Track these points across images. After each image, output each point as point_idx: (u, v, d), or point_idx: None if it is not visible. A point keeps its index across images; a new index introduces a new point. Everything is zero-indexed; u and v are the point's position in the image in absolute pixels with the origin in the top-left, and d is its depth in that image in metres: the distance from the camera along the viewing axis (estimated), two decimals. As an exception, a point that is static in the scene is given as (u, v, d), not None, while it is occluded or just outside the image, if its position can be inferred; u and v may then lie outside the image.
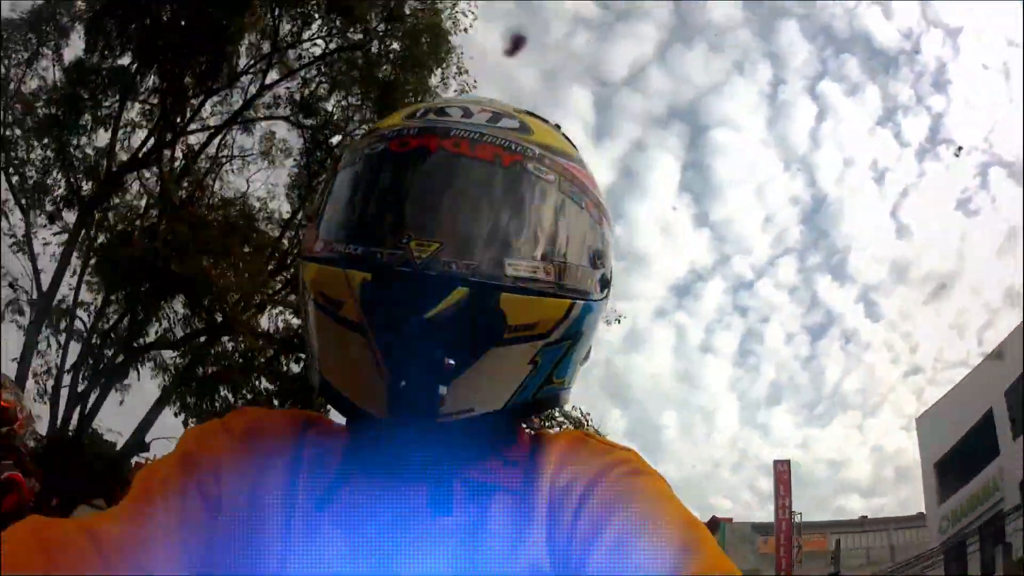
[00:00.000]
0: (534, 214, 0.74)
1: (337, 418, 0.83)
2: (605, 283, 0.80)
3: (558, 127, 0.84)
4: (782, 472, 29.33)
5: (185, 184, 11.71)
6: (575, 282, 0.75)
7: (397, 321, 0.68)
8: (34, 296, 10.95)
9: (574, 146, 0.84)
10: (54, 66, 11.27)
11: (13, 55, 11.12)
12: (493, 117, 0.78)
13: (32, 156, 11.12)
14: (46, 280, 10.98)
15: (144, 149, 11.28)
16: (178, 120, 11.33)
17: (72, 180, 11.17)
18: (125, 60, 10.98)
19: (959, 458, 23.34)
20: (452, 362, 0.68)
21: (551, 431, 0.83)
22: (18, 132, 11.10)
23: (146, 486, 0.74)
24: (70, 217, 11.13)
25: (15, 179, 11.11)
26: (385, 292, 0.69)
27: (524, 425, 0.84)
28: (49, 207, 11.17)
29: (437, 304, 0.68)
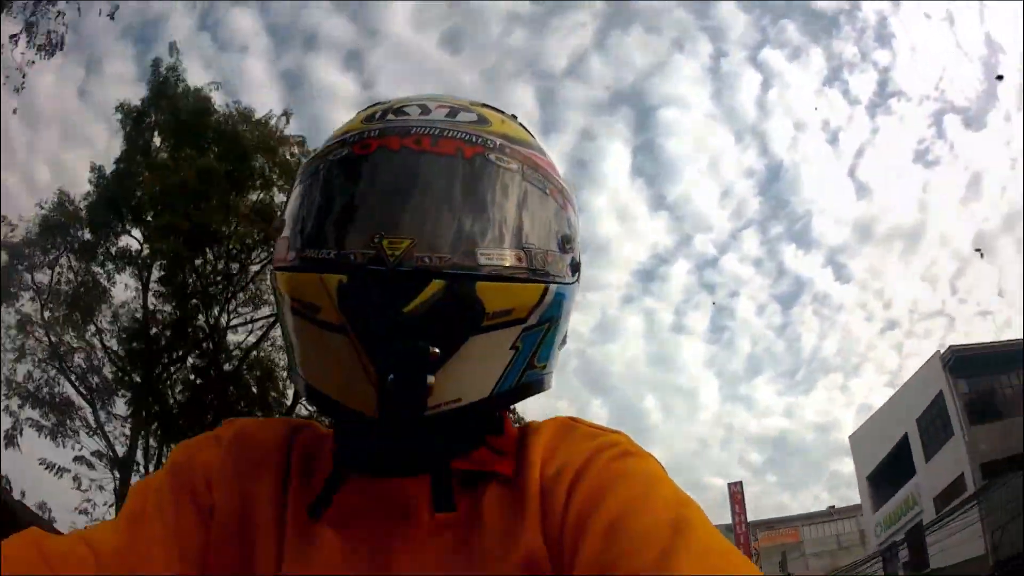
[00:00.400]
0: (500, 203, 0.75)
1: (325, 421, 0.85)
2: (575, 267, 0.81)
3: (514, 117, 0.86)
4: (735, 492, 32.48)
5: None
6: (546, 266, 0.76)
7: (377, 318, 0.69)
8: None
9: (531, 135, 0.86)
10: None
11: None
12: (451, 112, 0.79)
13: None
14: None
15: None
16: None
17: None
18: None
19: (886, 473, 26.46)
20: (437, 350, 0.69)
21: (538, 420, 0.83)
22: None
23: (140, 498, 0.77)
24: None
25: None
26: (362, 291, 0.70)
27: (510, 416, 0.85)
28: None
29: (415, 298, 0.69)
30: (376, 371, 0.70)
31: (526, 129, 0.87)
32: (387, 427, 0.71)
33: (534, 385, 0.80)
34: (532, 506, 0.74)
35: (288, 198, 0.83)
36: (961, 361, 21.78)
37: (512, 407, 0.85)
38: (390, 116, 0.79)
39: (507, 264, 0.74)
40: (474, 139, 0.76)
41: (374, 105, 0.84)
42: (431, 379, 0.70)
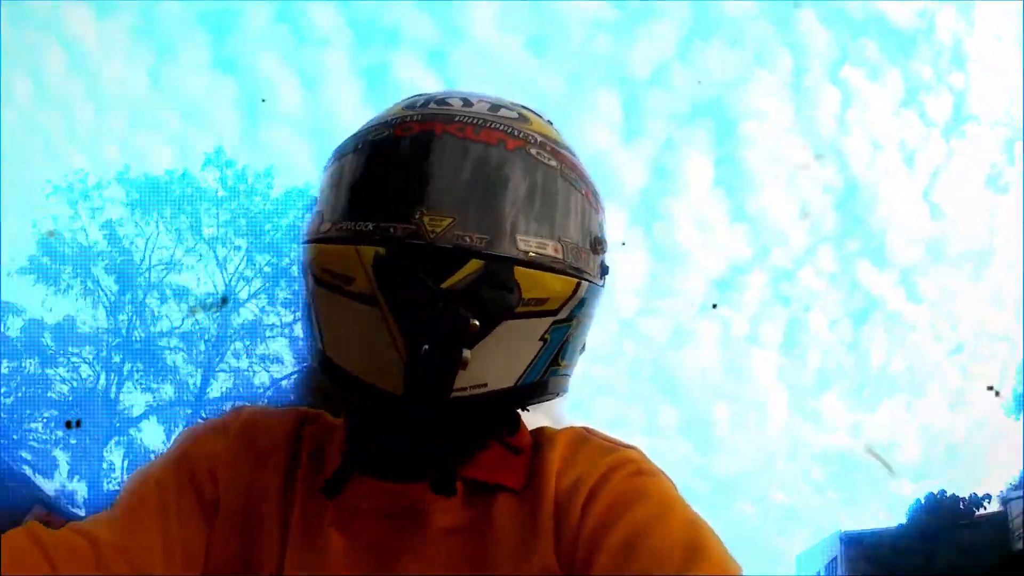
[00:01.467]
0: (540, 195, 0.74)
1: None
2: (604, 270, 0.81)
3: (551, 123, 0.86)
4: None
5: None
6: (579, 263, 0.76)
7: (413, 292, 0.69)
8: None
9: (563, 140, 0.85)
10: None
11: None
12: (492, 107, 0.79)
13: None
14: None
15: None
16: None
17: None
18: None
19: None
20: (476, 322, 0.68)
21: (551, 428, 0.83)
22: None
23: (141, 490, 0.75)
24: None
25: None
26: (399, 265, 0.69)
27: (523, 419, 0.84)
28: None
29: (452, 275, 0.69)
30: (407, 345, 0.69)
31: (559, 134, 0.86)
32: (411, 408, 0.70)
33: (555, 384, 0.79)
34: (546, 520, 0.73)
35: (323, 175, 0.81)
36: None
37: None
38: (432, 105, 0.78)
39: (546, 253, 0.73)
40: (516, 133, 0.76)
41: (415, 96, 0.83)
42: (467, 353, 0.68)
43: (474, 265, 0.69)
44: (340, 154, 0.79)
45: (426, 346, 0.68)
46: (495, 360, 0.72)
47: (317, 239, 0.75)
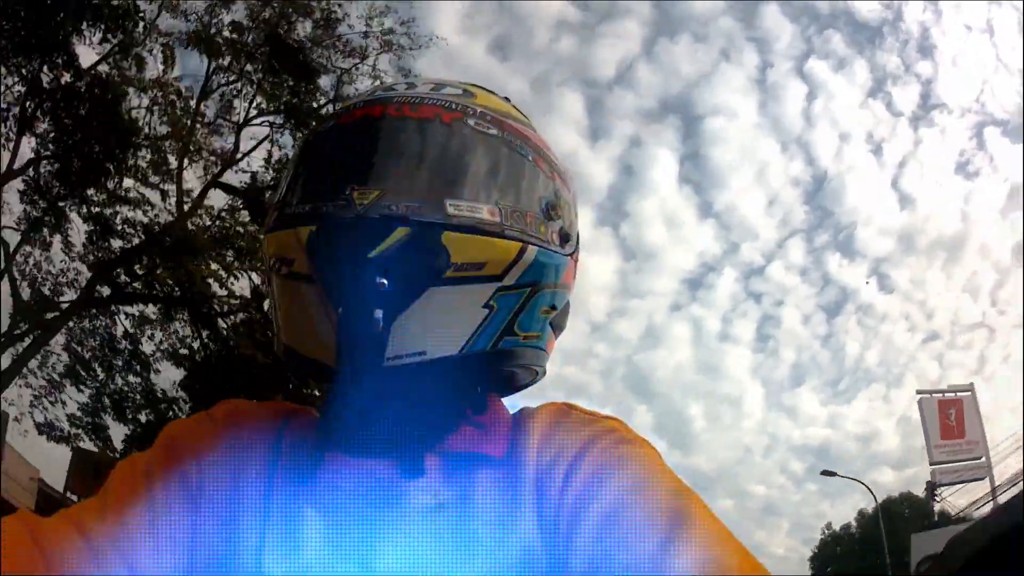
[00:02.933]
0: (475, 161, 0.74)
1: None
2: (566, 237, 0.80)
3: (507, 99, 0.86)
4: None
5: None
6: (525, 226, 0.75)
7: (342, 265, 0.69)
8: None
9: (526, 117, 0.86)
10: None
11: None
12: (436, 87, 0.80)
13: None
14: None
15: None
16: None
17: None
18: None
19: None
20: (384, 281, 0.68)
21: (531, 406, 0.82)
22: None
23: (129, 478, 0.76)
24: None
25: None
26: (330, 240, 0.70)
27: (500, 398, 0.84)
28: None
29: (379, 245, 0.69)
30: (337, 317, 0.70)
31: (517, 109, 0.87)
32: (348, 375, 0.70)
33: (513, 355, 0.78)
34: (527, 492, 0.73)
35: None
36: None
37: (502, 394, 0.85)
38: (378, 92, 0.81)
39: (478, 216, 0.73)
40: (454, 106, 0.77)
41: (372, 88, 0.86)
42: (379, 313, 0.69)
43: (401, 232, 0.70)
44: (293, 152, 0.84)
45: (339, 309, 0.70)
46: (432, 327, 0.72)
47: (267, 231, 0.78)
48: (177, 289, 13.31)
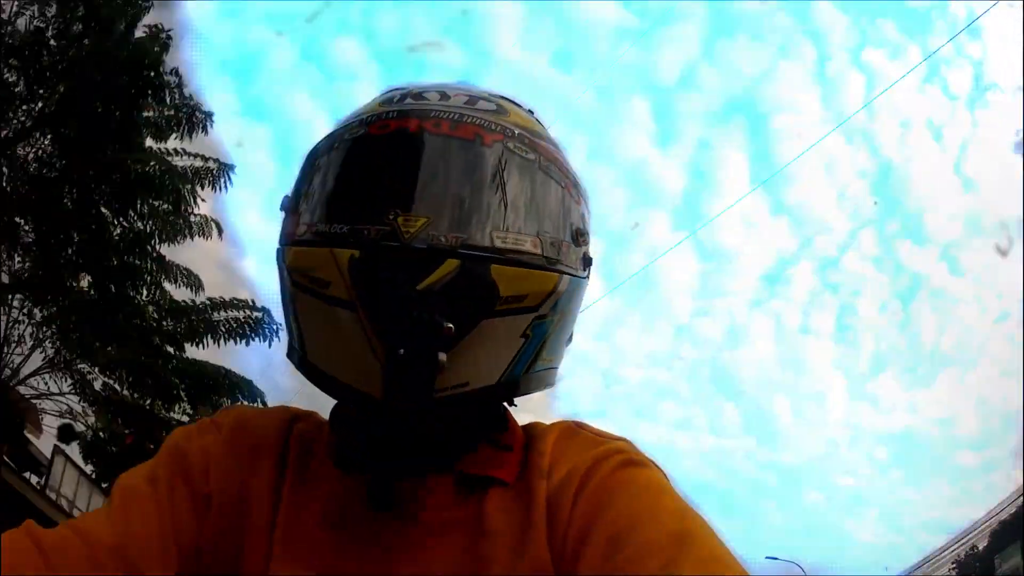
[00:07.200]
0: (518, 190, 0.73)
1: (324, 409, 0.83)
2: (587, 262, 0.80)
3: (531, 112, 0.85)
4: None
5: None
6: (560, 256, 0.75)
7: (389, 294, 0.67)
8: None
9: (545, 129, 0.85)
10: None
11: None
12: (470, 100, 0.78)
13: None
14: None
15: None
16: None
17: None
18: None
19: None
20: (451, 326, 0.67)
21: (542, 424, 0.82)
22: None
23: (135, 485, 0.75)
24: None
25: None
26: (374, 267, 0.68)
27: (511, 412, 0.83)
28: None
29: (428, 276, 0.67)
30: (384, 349, 0.68)
31: (541, 124, 0.85)
32: (392, 410, 0.68)
33: (541, 379, 0.79)
34: (539, 515, 0.72)
35: (299, 175, 0.81)
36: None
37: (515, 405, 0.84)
38: (409, 100, 0.78)
39: (523, 249, 0.72)
40: (493, 127, 0.75)
41: (392, 90, 0.82)
42: (443, 356, 0.67)
43: (450, 265, 0.68)
44: (316, 153, 0.79)
45: (402, 350, 0.67)
46: (476, 359, 0.71)
47: (294, 242, 0.75)
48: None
